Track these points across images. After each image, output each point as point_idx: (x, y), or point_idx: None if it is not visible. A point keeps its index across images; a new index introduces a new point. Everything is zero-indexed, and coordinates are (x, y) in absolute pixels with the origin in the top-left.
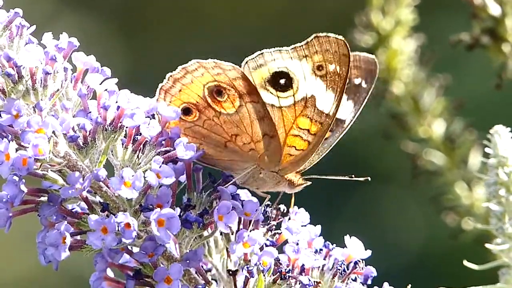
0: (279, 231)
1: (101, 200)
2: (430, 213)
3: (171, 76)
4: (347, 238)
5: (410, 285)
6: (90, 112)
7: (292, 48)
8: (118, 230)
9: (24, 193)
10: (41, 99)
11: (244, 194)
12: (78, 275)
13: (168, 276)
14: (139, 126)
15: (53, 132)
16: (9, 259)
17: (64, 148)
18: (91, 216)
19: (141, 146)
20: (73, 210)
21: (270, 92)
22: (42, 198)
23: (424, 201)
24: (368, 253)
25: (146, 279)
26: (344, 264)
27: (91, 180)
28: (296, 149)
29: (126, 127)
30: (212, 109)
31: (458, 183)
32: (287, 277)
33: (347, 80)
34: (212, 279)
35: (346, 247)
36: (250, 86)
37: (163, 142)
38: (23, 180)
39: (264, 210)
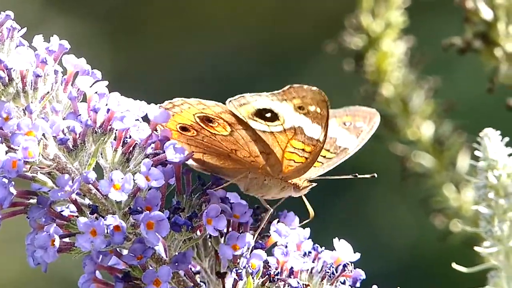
0: (268, 234)
1: (90, 203)
2: (420, 215)
3: (160, 106)
4: (336, 241)
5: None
6: (80, 114)
7: (271, 94)
8: (107, 232)
9: (13, 196)
10: (31, 102)
11: (233, 197)
12: (67, 277)
13: (157, 278)
14: (129, 128)
15: (43, 134)
16: None
17: (54, 150)
18: (80, 219)
19: (131, 148)
20: (62, 213)
21: (259, 122)
22: (31, 201)
23: (414, 203)
24: (357, 256)
25: (135, 281)
26: (333, 267)
27: (81, 183)
28: (295, 161)
29: (116, 130)
30: (207, 131)
31: (447, 185)
32: (276, 280)
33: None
34: (200, 281)
35: (335, 250)
36: (238, 118)
37: (152, 144)
38: (13, 183)
39: (253, 212)
